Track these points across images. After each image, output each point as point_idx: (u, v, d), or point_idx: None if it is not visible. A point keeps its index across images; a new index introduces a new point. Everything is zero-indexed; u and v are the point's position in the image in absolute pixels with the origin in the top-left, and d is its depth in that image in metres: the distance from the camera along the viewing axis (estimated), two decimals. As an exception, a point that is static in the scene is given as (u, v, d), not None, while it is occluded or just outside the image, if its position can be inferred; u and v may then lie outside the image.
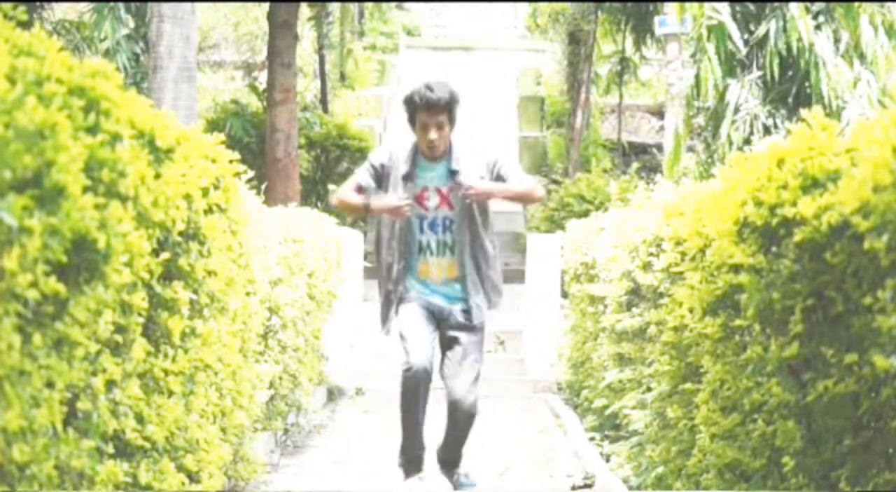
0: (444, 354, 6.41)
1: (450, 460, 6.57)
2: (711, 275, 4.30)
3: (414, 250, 6.35)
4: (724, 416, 4.17)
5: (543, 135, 21.17)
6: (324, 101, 19.86)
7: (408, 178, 6.32)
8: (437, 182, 6.35)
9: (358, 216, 6.20)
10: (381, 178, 6.39)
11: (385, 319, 6.44)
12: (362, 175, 6.43)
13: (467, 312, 6.34)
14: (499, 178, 6.37)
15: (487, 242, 6.38)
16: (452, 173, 6.32)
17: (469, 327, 6.35)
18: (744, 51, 13.05)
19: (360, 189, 6.40)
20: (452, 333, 6.36)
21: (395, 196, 6.26)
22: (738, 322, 3.96)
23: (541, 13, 21.40)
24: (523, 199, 6.62)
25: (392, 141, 21.04)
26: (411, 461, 6.46)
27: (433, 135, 6.26)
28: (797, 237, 3.35)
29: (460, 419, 6.36)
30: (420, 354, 6.17)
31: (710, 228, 4.38)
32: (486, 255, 6.37)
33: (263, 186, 12.39)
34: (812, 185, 3.43)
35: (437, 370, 6.36)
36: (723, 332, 4.22)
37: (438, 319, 6.36)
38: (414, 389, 6.17)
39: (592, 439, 8.34)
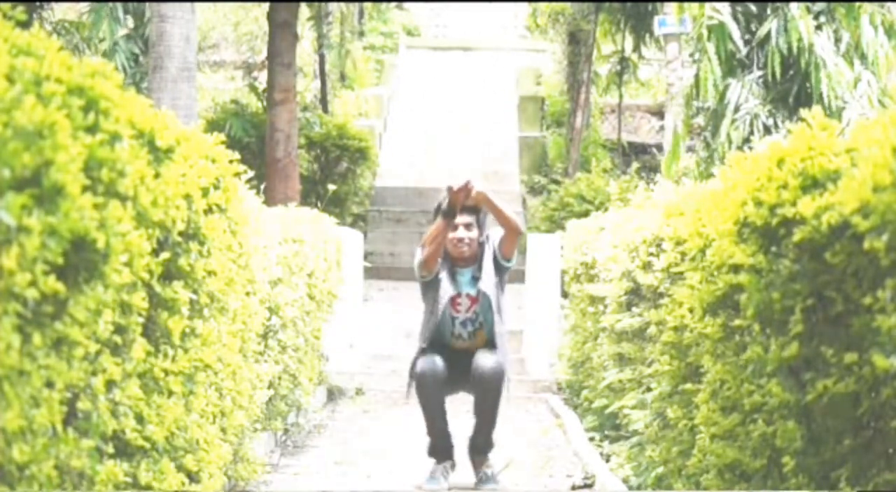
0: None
1: (479, 445, 6.99)
2: (711, 275, 4.30)
3: (447, 337, 7.04)
4: (724, 416, 4.17)
5: (543, 135, 21.15)
6: (324, 102, 19.85)
7: (451, 276, 6.98)
8: (467, 288, 7.00)
9: (444, 234, 6.97)
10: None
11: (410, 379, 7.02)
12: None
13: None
14: (497, 244, 6.98)
15: (502, 324, 7.00)
16: (476, 279, 6.96)
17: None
18: (744, 51, 13.05)
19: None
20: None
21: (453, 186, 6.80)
22: (738, 322, 3.96)
23: (541, 13, 21.39)
24: (508, 223, 6.91)
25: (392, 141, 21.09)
26: (440, 454, 6.99)
27: (461, 233, 6.91)
28: (797, 237, 3.34)
29: (486, 383, 6.81)
30: (429, 362, 6.86)
31: (710, 228, 4.37)
32: (501, 333, 6.99)
33: (263, 186, 12.40)
34: (812, 185, 3.42)
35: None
36: (723, 332, 4.22)
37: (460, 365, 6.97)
38: (424, 385, 6.82)
39: (592, 439, 8.33)
